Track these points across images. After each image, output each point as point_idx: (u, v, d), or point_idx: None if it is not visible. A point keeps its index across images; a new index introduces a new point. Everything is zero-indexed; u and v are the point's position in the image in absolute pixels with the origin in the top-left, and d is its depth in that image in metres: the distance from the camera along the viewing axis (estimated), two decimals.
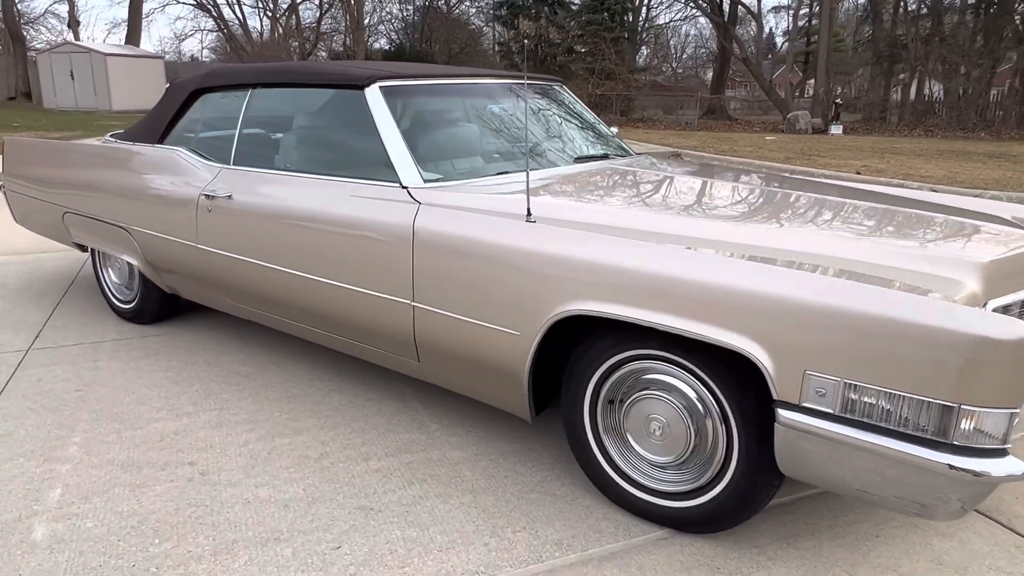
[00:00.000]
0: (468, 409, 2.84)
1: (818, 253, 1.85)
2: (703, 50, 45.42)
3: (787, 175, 3.14)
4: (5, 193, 4.38)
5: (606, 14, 23.19)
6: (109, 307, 3.95)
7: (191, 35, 58.30)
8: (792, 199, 2.46)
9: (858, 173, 9.79)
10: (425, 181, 2.48)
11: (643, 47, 28.02)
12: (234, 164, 3.04)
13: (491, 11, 29.26)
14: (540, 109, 3.17)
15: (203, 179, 3.07)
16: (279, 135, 2.96)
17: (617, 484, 2.14)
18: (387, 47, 38.69)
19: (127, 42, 27.60)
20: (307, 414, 2.80)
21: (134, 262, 3.49)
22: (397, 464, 2.44)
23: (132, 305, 3.75)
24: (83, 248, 3.96)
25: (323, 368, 3.24)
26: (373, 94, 2.65)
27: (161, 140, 3.39)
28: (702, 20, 39.30)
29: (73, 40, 26.30)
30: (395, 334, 2.48)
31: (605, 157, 3.09)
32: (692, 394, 1.95)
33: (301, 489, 2.29)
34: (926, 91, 25.63)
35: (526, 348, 2.12)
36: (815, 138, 18.24)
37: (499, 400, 2.35)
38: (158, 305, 3.68)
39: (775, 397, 1.72)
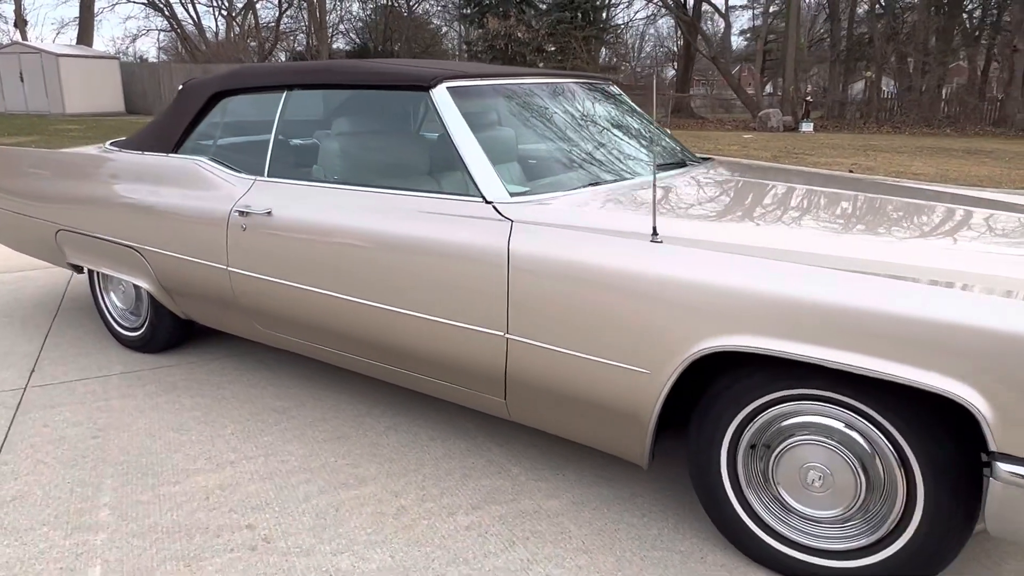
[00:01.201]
0: (548, 447, 2.55)
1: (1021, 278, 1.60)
2: (662, 49, 45.72)
3: (892, 182, 2.93)
4: None
5: (577, 13, 23.03)
6: (110, 334, 3.55)
7: (142, 35, 56.23)
8: (937, 213, 2.21)
9: (850, 172, 9.74)
10: (511, 195, 2.18)
11: (603, 47, 27.85)
12: (269, 176, 2.69)
13: (456, 10, 28.88)
14: (609, 111, 2.89)
15: (233, 193, 2.71)
16: (323, 143, 2.62)
17: (763, 542, 1.87)
18: (346, 47, 37.97)
19: (79, 42, 26.50)
20: (367, 458, 2.47)
21: (145, 286, 3.11)
22: (489, 519, 2.14)
23: (140, 333, 3.36)
24: (78, 269, 3.56)
25: (369, 401, 2.91)
26: (441, 96, 2.34)
27: (176, 149, 3.01)
28: (660, 19, 39.54)
29: (21, 40, 25.13)
30: (480, 369, 2.18)
31: (683, 164, 2.82)
32: (862, 439, 1.69)
33: (388, 555, 1.97)
34: (886, 88, 26.09)
35: (656, 389, 1.84)
36: (790, 136, 18.32)
37: (607, 443, 2.06)
38: (170, 332, 3.31)
39: (992, 448, 1.47)
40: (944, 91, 23.31)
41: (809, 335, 1.61)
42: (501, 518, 2.14)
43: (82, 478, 2.34)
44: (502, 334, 2.08)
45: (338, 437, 2.62)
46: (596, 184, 2.34)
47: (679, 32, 35.63)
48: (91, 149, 3.52)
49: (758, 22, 36.29)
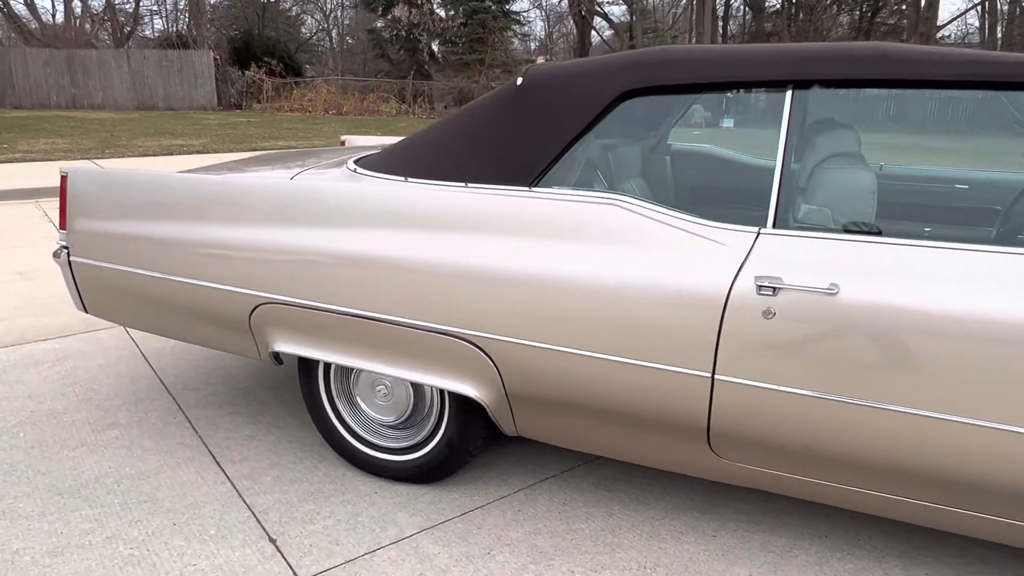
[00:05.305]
0: None
1: None
2: (562, 47, 45.43)
3: None
4: (70, 264, 2.55)
5: (490, 2, 22.06)
6: (338, 453, 2.34)
7: None
8: None
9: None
10: None
11: (515, 39, 27.11)
12: (780, 227, 1.67)
13: None
14: None
15: (718, 256, 1.67)
16: (903, 171, 1.65)
17: None
18: (209, 35, 34.55)
19: None
20: None
21: (476, 396, 1.96)
22: None
23: (417, 457, 2.19)
24: (279, 359, 2.30)
25: (887, 558, 1.95)
26: None
27: (537, 180, 1.90)
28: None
29: None
30: None
31: None
32: None
33: None
34: None
35: None
36: (727, 133, 18.41)
37: None
38: (469, 455, 2.17)
39: None
40: None
41: None
42: None
43: None
44: None
45: None
46: None
47: (549, 29, 35.58)
48: (316, 176, 2.27)
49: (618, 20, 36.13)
